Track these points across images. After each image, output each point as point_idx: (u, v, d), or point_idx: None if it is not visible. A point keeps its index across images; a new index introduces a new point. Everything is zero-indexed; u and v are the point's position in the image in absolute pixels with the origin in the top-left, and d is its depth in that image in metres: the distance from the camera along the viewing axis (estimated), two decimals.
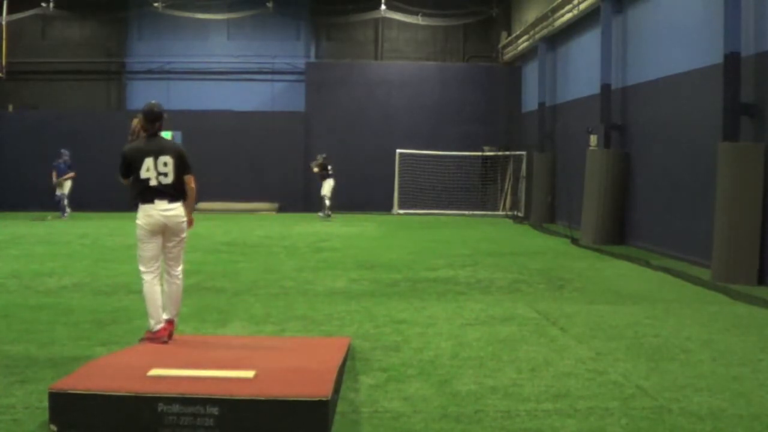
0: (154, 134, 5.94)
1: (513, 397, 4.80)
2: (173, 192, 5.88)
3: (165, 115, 6.02)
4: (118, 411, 4.10)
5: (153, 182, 5.81)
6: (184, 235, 6.03)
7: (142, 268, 5.92)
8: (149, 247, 5.89)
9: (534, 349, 6.12)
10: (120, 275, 10.18)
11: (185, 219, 5.99)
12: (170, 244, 5.98)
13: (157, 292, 5.92)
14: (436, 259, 12.36)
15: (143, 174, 5.80)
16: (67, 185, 20.75)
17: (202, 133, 23.42)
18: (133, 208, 5.93)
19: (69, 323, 6.99)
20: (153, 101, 6.10)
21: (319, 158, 22.05)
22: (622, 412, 4.52)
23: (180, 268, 6.07)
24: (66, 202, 20.77)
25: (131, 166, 5.86)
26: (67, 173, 20.67)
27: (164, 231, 5.91)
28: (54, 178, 20.53)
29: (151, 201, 5.81)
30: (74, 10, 25.22)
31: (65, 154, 20.72)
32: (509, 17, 25.55)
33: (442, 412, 4.52)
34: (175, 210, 5.90)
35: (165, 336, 5.81)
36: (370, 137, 24.92)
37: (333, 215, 22.09)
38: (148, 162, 5.80)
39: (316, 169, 22.02)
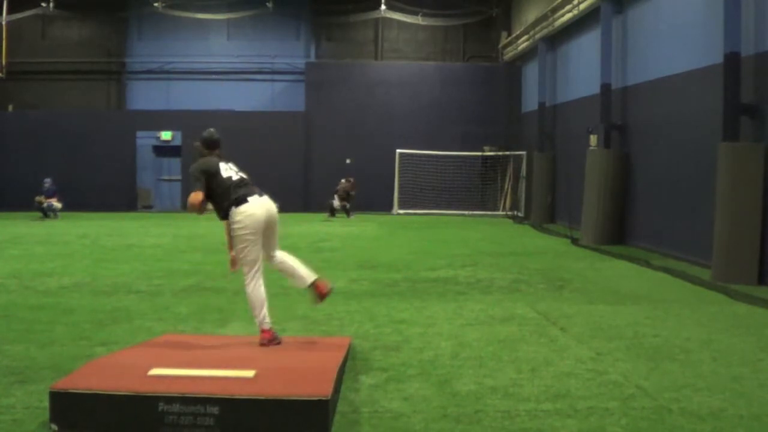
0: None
1: (513, 397, 4.79)
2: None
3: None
4: (118, 410, 4.10)
5: (235, 177, 5.82)
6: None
7: (251, 271, 5.68)
8: (257, 249, 5.71)
9: (534, 349, 6.11)
10: (120, 275, 10.18)
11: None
12: (270, 234, 5.82)
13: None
14: (436, 259, 12.36)
15: (224, 173, 5.80)
16: (53, 201, 21.20)
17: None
18: (224, 218, 5.82)
19: (69, 323, 6.99)
20: (211, 129, 6.09)
21: (350, 181, 22.33)
22: (622, 412, 4.51)
23: None
24: (55, 207, 21.11)
25: (208, 171, 5.78)
26: (53, 197, 21.19)
27: (268, 225, 5.76)
28: (44, 200, 21.01)
29: (245, 200, 5.73)
30: (74, 10, 25.22)
31: (48, 182, 21.22)
32: (509, 17, 25.56)
33: (442, 412, 4.51)
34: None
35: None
36: (370, 137, 24.92)
37: (335, 216, 22.19)
38: (223, 165, 5.86)
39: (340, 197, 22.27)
